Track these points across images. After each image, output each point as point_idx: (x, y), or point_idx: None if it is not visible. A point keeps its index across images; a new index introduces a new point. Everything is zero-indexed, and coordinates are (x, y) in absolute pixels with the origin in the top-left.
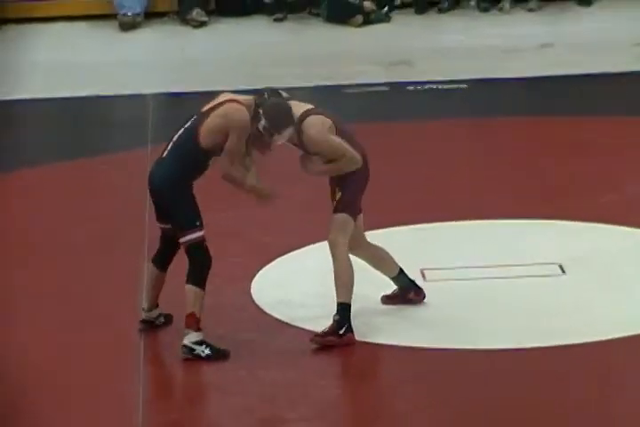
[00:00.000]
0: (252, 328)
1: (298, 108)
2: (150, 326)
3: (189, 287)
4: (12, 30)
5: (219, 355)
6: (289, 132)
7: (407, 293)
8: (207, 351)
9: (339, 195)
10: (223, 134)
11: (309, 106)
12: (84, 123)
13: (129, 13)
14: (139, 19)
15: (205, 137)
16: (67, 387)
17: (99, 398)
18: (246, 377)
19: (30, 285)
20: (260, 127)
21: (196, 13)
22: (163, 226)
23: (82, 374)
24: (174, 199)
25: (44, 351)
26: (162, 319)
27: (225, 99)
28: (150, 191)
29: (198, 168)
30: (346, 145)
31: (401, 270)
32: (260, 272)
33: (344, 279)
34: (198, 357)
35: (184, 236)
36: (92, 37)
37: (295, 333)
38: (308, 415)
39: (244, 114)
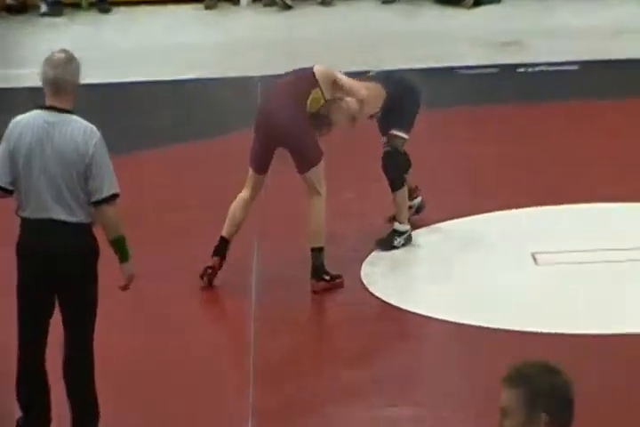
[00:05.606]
0: (361, 309)
1: None
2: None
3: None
4: (122, 13)
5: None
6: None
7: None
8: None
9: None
10: None
11: None
12: (192, 105)
13: None
14: None
15: None
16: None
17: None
18: (358, 363)
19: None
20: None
21: None
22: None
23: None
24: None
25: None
26: None
27: None
28: None
29: None
30: None
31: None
32: (373, 254)
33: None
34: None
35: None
36: (199, 20)
37: (408, 317)
38: (421, 402)
39: None
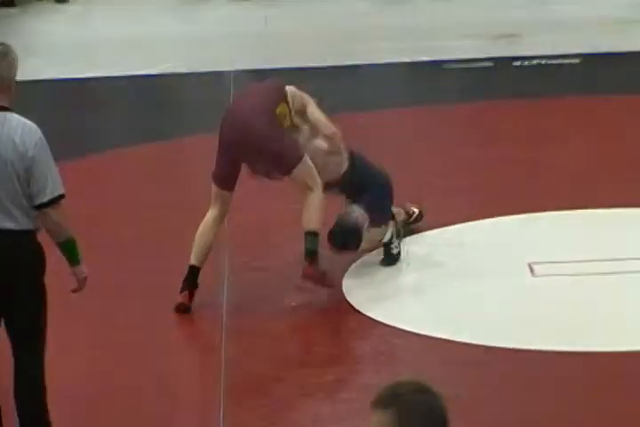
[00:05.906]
0: (342, 324)
1: None
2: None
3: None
4: (80, 3)
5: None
6: None
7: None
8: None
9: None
10: None
11: None
12: (158, 102)
13: None
14: None
15: None
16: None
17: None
18: (336, 381)
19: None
20: None
21: None
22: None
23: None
24: None
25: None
26: None
27: None
28: None
29: None
30: None
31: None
32: (353, 266)
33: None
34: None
35: None
36: (165, 10)
37: (391, 333)
38: None
39: None
